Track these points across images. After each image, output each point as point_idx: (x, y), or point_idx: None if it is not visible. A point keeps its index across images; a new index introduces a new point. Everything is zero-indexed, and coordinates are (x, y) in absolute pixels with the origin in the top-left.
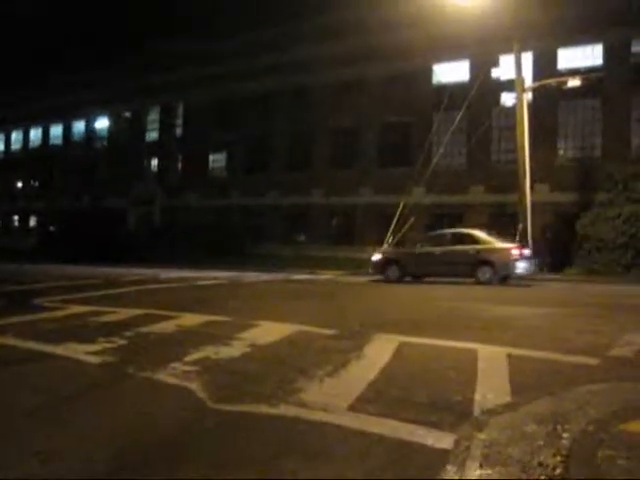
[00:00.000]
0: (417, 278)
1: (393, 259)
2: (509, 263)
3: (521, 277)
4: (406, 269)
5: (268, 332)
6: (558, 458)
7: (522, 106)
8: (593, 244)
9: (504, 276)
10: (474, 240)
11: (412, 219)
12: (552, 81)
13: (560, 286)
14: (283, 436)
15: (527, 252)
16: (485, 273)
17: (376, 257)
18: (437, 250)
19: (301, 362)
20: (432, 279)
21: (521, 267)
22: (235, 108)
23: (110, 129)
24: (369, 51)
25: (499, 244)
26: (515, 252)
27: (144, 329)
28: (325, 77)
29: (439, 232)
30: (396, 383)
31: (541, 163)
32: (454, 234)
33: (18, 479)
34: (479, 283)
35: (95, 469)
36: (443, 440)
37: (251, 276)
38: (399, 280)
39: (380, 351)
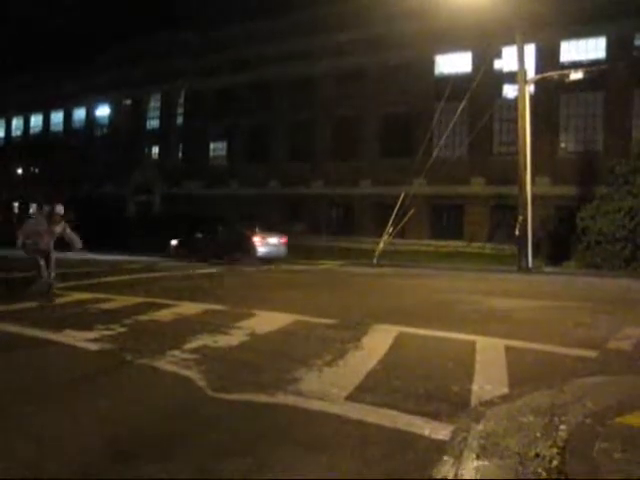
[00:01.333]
0: (215, 258)
1: (183, 244)
2: (252, 248)
3: (267, 259)
4: (192, 252)
5: (266, 321)
6: (555, 450)
7: (524, 98)
8: (593, 238)
9: (261, 258)
10: (234, 230)
11: (412, 210)
12: (554, 74)
13: (559, 279)
14: (282, 425)
15: (274, 240)
16: (237, 255)
17: (173, 242)
18: (210, 237)
19: (300, 352)
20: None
21: (261, 251)
22: (236, 97)
23: (111, 117)
24: (371, 41)
25: (247, 233)
26: (256, 239)
27: (143, 317)
28: (326, 67)
29: (218, 225)
30: (394, 373)
31: (542, 156)
32: (223, 225)
33: (17, 479)
34: (235, 263)
35: (93, 455)
36: (440, 431)
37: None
38: (189, 259)
39: (379, 341)
